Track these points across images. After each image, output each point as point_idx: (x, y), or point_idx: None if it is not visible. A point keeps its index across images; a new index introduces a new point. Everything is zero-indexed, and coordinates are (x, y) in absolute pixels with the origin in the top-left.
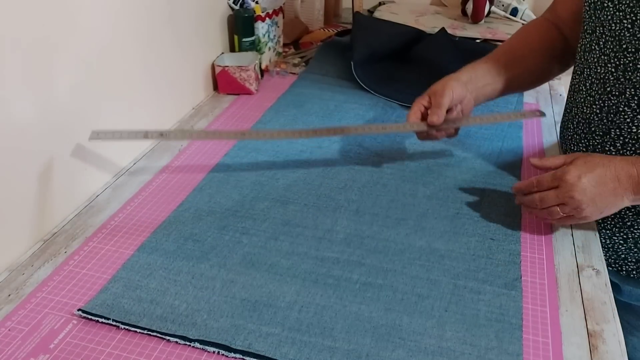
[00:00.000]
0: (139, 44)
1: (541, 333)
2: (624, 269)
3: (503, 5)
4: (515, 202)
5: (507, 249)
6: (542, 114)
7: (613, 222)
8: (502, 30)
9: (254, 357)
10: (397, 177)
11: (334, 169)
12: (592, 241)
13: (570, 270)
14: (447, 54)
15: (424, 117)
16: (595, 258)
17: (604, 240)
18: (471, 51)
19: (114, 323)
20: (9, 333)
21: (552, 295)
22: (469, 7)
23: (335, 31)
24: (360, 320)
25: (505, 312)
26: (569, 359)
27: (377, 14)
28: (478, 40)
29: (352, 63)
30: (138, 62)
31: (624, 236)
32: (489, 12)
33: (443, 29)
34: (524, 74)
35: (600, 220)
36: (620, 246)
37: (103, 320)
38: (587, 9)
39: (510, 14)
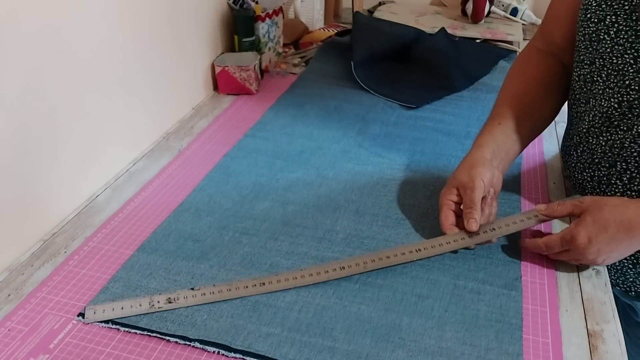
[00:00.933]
0: (139, 44)
1: (541, 333)
2: (632, 289)
3: (503, 5)
4: (514, 203)
5: (507, 249)
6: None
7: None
8: (502, 30)
9: (254, 357)
10: (397, 177)
11: (334, 169)
12: None
13: (570, 270)
14: (447, 54)
15: (459, 217)
16: None
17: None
18: (471, 51)
19: (114, 325)
20: (8, 333)
21: (552, 295)
22: (469, 7)
23: (335, 31)
24: (360, 320)
25: (505, 312)
26: (569, 359)
27: (377, 14)
28: (478, 40)
29: (352, 63)
30: (138, 62)
31: (634, 260)
32: (489, 12)
33: (443, 29)
34: (538, 123)
35: None
36: (629, 270)
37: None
38: (582, 39)
39: (510, 14)
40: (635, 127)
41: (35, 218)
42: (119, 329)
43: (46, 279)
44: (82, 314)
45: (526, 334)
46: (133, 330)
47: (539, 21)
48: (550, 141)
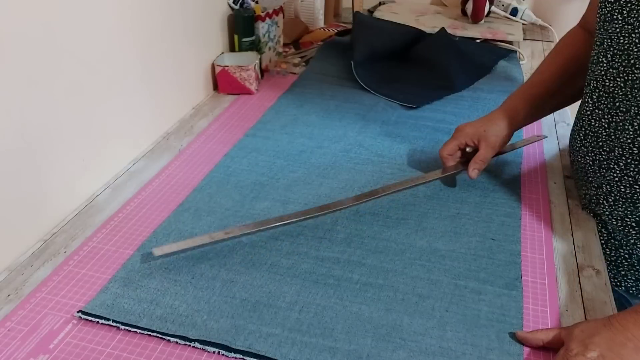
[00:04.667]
0: (139, 44)
1: None
2: (622, 284)
3: (503, 5)
4: (514, 203)
5: (507, 249)
6: (544, 137)
7: (618, 238)
8: (502, 30)
9: (255, 358)
10: (397, 177)
11: (334, 169)
12: (592, 241)
13: (570, 270)
14: (447, 54)
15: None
16: (595, 258)
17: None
18: (471, 51)
19: (114, 324)
20: (8, 333)
21: (552, 295)
22: (469, 7)
23: (335, 31)
24: (361, 320)
25: (506, 312)
26: None
27: (377, 14)
28: (478, 40)
29: (352, 63)
30: (138, 62)
31: (629, 251)
32: (489, 12)
33: (443, 29)
34: (566, 99)
35: (605, 237)
36: (624, 261)
37: (103, 320)
38: (599, 20)
39: (510, 14)
40: (634, 107)
41: (35, 218)
42: (119, 329)
43: (46, 279)
44: (82, 311)
45: None
46: (133, 330)
47: (539, 21)
48: (550, 141)
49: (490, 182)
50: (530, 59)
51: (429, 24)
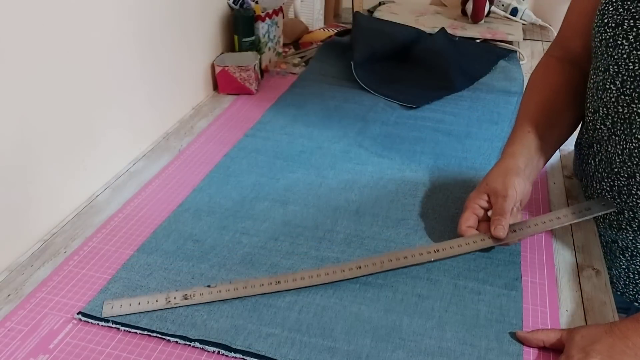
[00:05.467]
0: (138, 44)
1: None
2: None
3: (503, 5)
4: None
5: (507, 249)
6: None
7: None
8: (502, 30)
9: (254, 357)
10: (397, 177)
11: (334, 169)
12: (592, 241)
13: (570, 270)
14: (447, 54)
15: (481, 221)
16: (595, 258)
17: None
18: (471, 51)
19: (114, 324)
20: (8, 333)
21: (552, 295)
22: (469, 7)
23: (335, 31)
24: (360, 320)
25: (506, 312)
26: None
27: (377, 14)
28: (478, 40)
29: (352, 63)
30: (138, 62)
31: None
32: (489, 12)
33: (443, 29)
34: (563, 131)
35: (627, 261)
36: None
37: (102, 322)
38: (599, 45)
39: (510, 14)
40: None
41: (35, 218)
42: (119, 329)
43: (46, 279)
44: (82, 312)
45: None
46: (133, 330)
47: (539, 21)
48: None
49: None
50: (530, 59)
51: (429, 24)
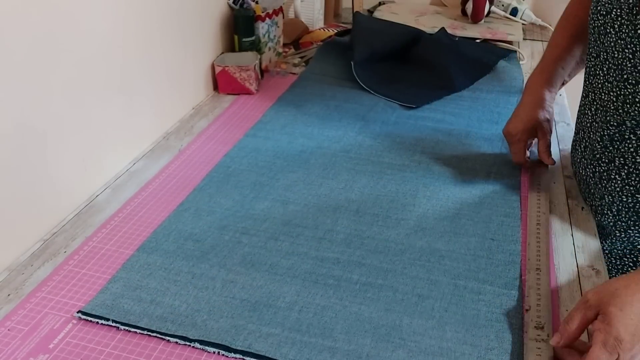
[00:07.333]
0: (139, 44)
1: None
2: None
3: (503, 5)
4: (514, 203)
5: (507, 249)
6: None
7: (621, 247)
8: (502, 30)
9: (254, 358)
10: (397, 177)
11: (334, 169)
12: (592, 241)
13: (571, 270)
14: (447, 54)
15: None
16: (595, 258)
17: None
18: (471, 51)
19: (114, 324)
20: (8, 333)
21: (553, 295)
22: (469, 7)
23: (335, 31)
24: (361, 320)
25: (506, 312)
26: None
27: (377, 14)
28: (478, 40)
29: (352, 63)
30: (138, 62)
31: (633, 260)
32: (489, 12)
33: (443, 29)
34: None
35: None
36: (628, 269)
37: (102, 321)
38: (592, 32)
39: (510, 14)
40: (627, 121)
41: (36, 218)
42: (118, 329)
43: (46, 278)
44: (82, 312)
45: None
46: (133, 330)
47: (539, 21)
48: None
49: (489, 182)
50: (530, 59)
51: (429, 24)
